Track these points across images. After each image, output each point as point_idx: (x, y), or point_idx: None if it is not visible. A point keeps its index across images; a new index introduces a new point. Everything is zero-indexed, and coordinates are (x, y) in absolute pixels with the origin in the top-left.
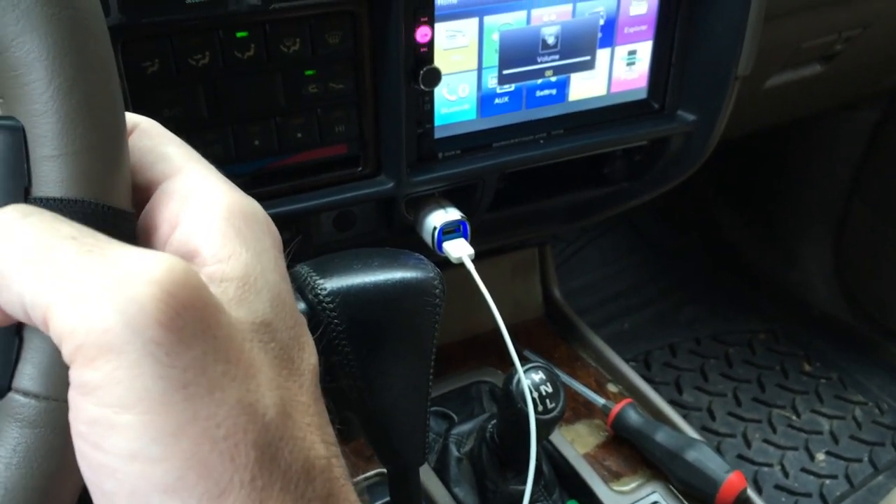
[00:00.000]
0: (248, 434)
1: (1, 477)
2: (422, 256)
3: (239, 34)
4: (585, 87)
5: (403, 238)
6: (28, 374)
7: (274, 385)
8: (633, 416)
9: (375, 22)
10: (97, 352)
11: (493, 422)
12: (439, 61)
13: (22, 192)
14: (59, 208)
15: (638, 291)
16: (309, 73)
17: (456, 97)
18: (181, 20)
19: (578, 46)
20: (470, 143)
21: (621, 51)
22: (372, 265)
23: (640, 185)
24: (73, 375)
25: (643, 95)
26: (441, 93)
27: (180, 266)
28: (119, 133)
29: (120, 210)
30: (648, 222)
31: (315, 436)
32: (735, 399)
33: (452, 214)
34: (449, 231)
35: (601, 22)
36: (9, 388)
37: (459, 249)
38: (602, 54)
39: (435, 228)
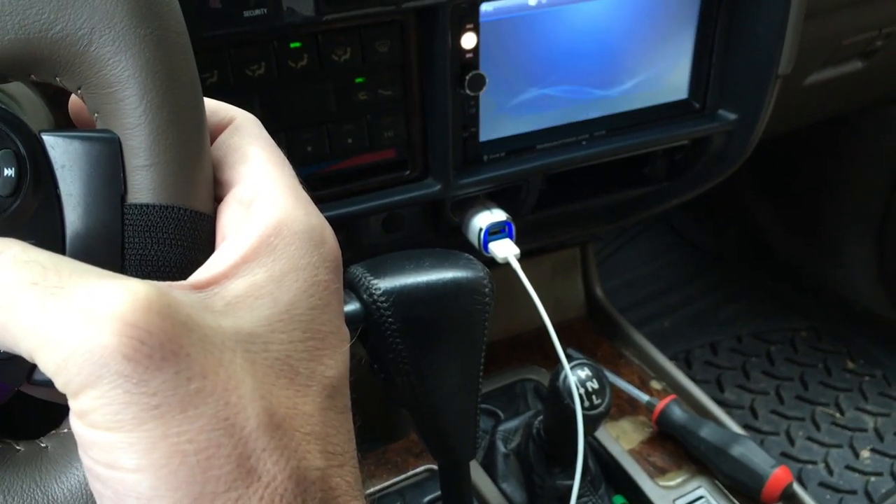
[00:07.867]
0: (223, 448)
1: None
2: (471, 256)
3: (293, 45)
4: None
5: (450, 239)
6: None
7: (258, 395)
8: (678, 413)
9: (422, 30)
10: (77, 387)
11: (540, 418)
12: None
13: (119, 198)
14: (150, 213)
15: (677, 290)
16: (359, 80)
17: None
18: (239, 33)
19: None
20: (514, 145)
21: None
22: (423, 265)
23: (680, 185)
24: (70, 403)
25: (684, 95)
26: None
27: (142, 293)
28: (203, 143)
29: (200, 213)
30: (687, 221)
31: (313, 446)
32: (778, 397)
33: (498, 215)
34: (494, 232)
35: None
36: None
37: (505, 250)
38: None
39: (481, 229)
